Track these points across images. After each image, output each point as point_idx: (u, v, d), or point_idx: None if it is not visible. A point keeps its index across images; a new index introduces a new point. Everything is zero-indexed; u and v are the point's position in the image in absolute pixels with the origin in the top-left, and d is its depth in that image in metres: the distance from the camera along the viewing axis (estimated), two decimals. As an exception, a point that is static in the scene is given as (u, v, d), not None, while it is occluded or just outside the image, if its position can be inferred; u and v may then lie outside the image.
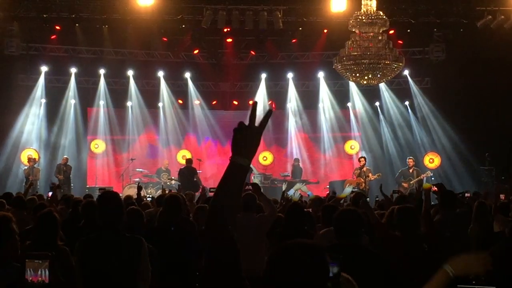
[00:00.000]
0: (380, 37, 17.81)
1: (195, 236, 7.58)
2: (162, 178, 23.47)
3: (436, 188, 10.12)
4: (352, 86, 25.97)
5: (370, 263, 5.73)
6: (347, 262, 3.43)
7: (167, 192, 13.01)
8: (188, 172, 21.40)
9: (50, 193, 11.72)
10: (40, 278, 4.42)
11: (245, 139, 2.93)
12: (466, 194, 13.21)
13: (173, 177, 23.07)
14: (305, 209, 9.66)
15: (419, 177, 21.59)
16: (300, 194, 19.04)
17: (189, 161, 22.42)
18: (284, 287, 2.79)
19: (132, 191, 17.15)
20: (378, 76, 18.21)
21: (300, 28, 23.79)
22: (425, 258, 6.95)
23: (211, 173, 25.08)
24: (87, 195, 13.38)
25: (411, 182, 21.42)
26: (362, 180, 21.35)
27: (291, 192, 18.72)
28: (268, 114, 2.97)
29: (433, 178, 21.73)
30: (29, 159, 22.42)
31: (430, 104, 25.42)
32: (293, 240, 2.96)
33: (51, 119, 25.37)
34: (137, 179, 22.43)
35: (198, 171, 22.55)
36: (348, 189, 10.41)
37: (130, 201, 10.39)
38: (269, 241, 8.53)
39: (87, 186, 24.10)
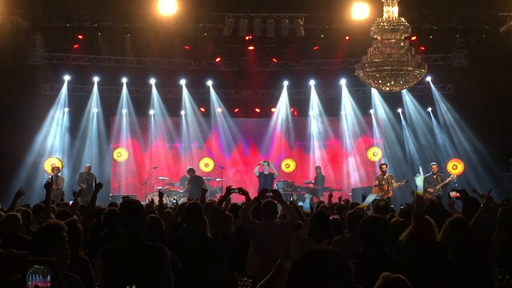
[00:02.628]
0: (402, 44, 17.73)
1: (216, 244, 7.53)
2: (186, 186, 23.50)
3: (458, 194, 10.03)
4: (374, 93, 25.93)
5: (395, 271, 5.66)
6: (372, 270, 3.41)
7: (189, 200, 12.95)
8: (199, 181, 22.36)
9: (71, 202, 11.74)
10: (40, 284, 4.42)
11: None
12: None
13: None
14: (333, 216, 9.61)
15: (444, 182, 21.47)
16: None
17: (191, 170, 23.00)
18: None
19: (155, 199, 17.11)
20: (401, 82, 18.11)
21: (322, 35, 23.75)
22: (448, 266, 6.88)
23: (233, 180, 25.07)
24: (111, 203, 13.31)
25: (436, 187, 21.29)
26: (386, 186, 21.17)
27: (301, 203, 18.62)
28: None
29: (456, 185, 21.56)
30: (53, 168, 22.49)
31: (453, 110, 25.29)
32: (318, 247, 2.98)
33: (74, 127, 25.51)
34: (160, 187, 22.39)
35: (220, 179, 23.01)
36: (370, 197, 10.12)
37: (150, 209, 10.34)
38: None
39: (110, 194, 24.15)
